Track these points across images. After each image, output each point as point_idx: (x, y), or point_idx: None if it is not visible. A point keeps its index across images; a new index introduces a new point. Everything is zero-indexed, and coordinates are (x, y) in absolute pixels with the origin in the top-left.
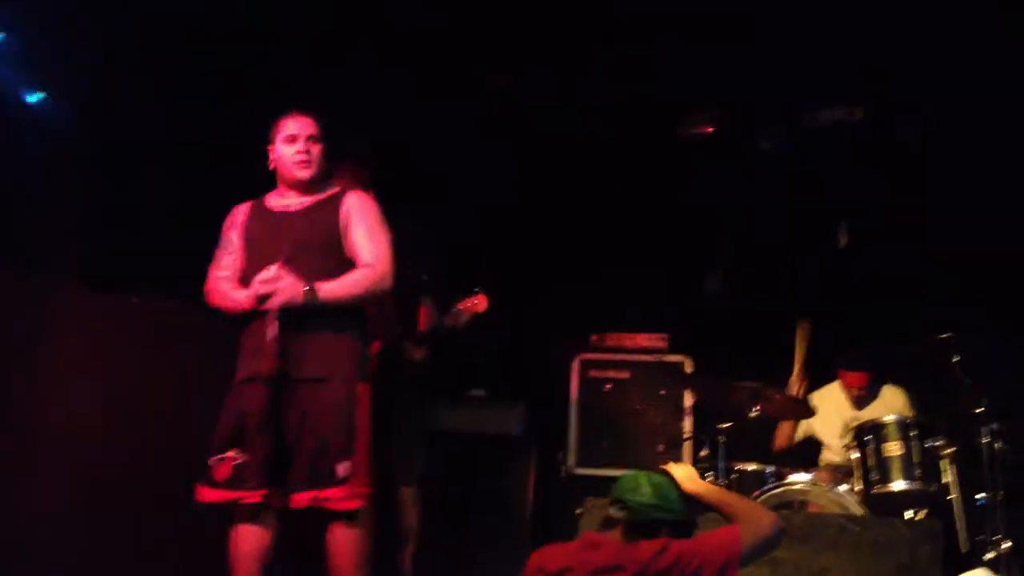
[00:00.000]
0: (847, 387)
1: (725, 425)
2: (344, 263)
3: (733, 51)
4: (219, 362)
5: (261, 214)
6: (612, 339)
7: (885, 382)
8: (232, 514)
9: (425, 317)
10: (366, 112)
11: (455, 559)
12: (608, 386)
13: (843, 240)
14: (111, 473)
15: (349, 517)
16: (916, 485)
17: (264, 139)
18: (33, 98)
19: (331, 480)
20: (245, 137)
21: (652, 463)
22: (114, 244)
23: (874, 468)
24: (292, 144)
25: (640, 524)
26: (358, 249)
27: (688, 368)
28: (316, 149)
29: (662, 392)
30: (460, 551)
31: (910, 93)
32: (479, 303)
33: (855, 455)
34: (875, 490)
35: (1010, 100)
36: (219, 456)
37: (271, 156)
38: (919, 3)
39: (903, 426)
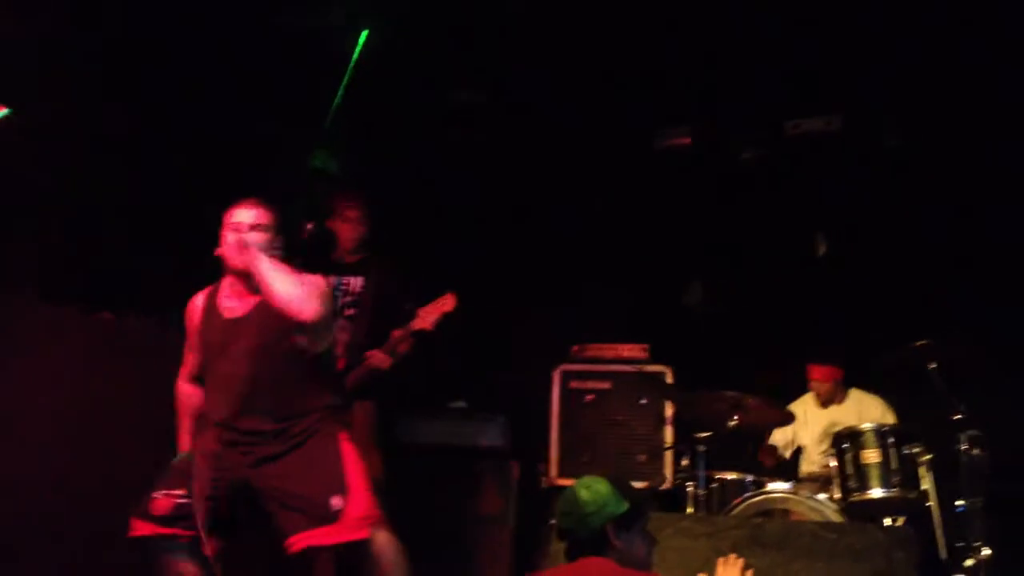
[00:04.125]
0: (814, 383)
1: (705, 435)
2: (304, 350)
3: (711, 63)
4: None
5: (212, 317)
6: (593, 350)
7: (857, 386)
8: (159, 550)
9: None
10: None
11: (435, 573)
12: (589, 397)
13: (821, 249)
14: (74, 486)
15: (359, 548)
16: (894, 492)
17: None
18: None
19: (329, 517)
20: (215, 149)
21: (634, 473)
22: (76, 258)
23: (852, 476)
24: (235, 232)
25: (585, 539)
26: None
27: (669, 378)
28: (260, 239)
29: (643, 402)
30: (440, 565)
31: (888, 102)
32: (446, 303)
33: (833, 463)
34: (854, 497)
35: (985, 109)
36: (165, 491)
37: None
38: (896, 12)
39: (881, 434)
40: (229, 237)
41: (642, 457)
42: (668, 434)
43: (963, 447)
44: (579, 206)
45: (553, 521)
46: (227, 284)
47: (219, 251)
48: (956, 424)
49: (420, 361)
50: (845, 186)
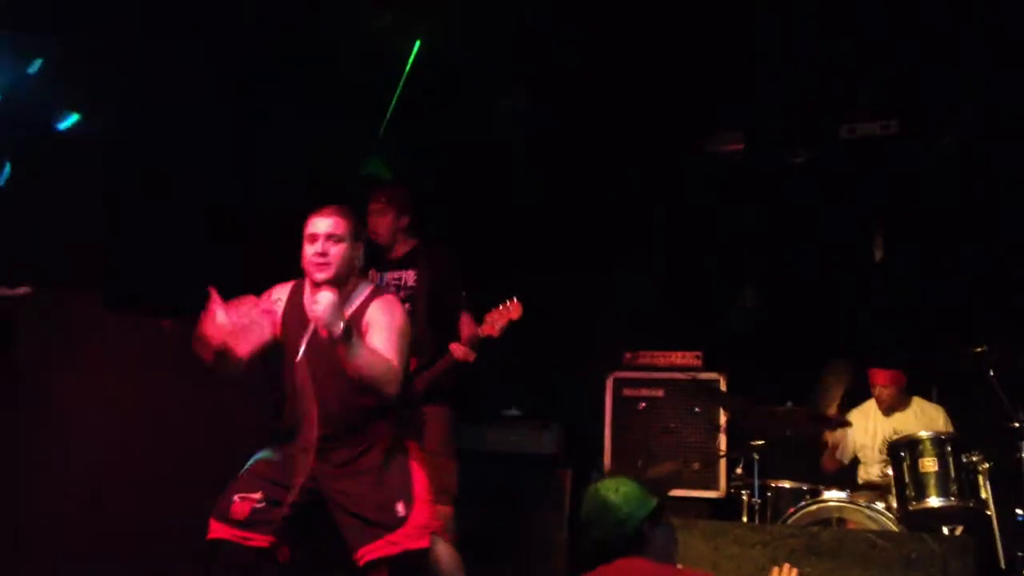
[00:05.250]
0: (877, 388)
1: (759, 443)
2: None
3: (765, 66)
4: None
5: (298, 318)
6: (646, 357)
7: (919, 395)
8: (233, 556)
9: (466, 328)
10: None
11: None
12: (642, 404)
13: (879, 254)
14: (131, 495)
15: (419, 558)
16: (953, 501)
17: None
18: (66, 123)
19: (393, 523)
20: (278, 154)
21: (688, 481)
22: (140, 264)
23: (910, 485)
24: (312, 244)
25: (622, 543)
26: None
27: (723, 386)
28: (338, 249)
29: (696, 410)
30: (495, 573)
31: (945, 105)
32: (513, 310)
33: (891, 471)
34: (911, 507)
35: None
36: (242, 495)
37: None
38: (953, 16)
39: (939, 442)
40: (308, 249)
41: (696, 465)
42: (722, 442)
43: (1023, 455)
44: (633, 213)
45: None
46: (311, 289)
47: (303, 263)
48: (1016, 432)
49: (474, 368)
50: (903, 189)
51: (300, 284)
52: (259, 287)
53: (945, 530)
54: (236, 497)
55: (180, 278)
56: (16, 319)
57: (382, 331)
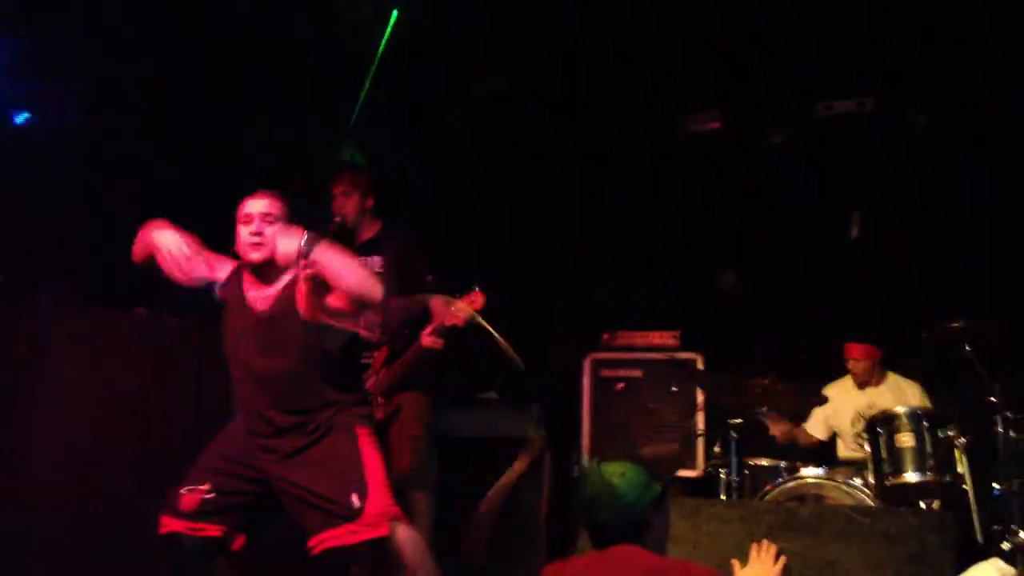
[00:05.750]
0: (851, 361)
1: (737, 421)
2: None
3: (740, 45)
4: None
5: (240, 303)
6: (623, 337)
7: (894, 370)
8: (188, 548)
9: (436, 312)
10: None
11: (468, 564)
12: (620, 385)
13: (855, 231)
14: (110, 488)
15: (380, 546)
16: (929, 476)
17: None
18: (20, 118)
19: (350, 514)
20: (245, 151)
21: (666, 460)
22: (109, 257)
23: (887, 460)
24: (247, 225)
25: (624, 528)
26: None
27: (700, 365)
28: (273, 230)
29: (674, 389)
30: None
31: (921, 83)
32: (475, 300)
33: (868, 447)
34: (888, 482)
35: (1018, 84)
36: (190, 487)
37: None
38: None
39: (915, 417)
40: (243, 231)
41: (674, 445)
42: (700, 421)
43: (999, 430)
44: (608, 192)
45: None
46: (244, 275)
47: (235, 247)
48: (992, 407)
49: (450, 352)
50: (878, 166)
51: (239, 268)
52: None
53: (923, 505)
54: (184, 490)
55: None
56: None
57: (334, 273)
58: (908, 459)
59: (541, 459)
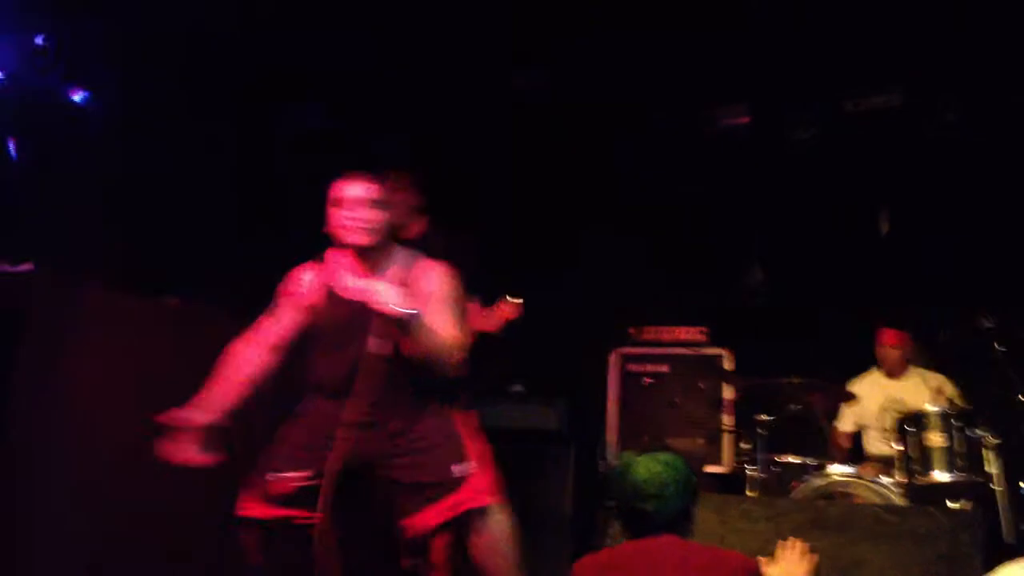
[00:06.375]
0: (884, 348)
1: (765, 418)
2: None
3: (769, 40)
4: None
5: (332, 296)
6: (650, 332)
7: (924, 367)
8: (273, 535)
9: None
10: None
11: None
12: (647, 380)
13: (885, 227)
14: (138, 475)
15: (483, 515)
16: (959, 476)
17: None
18: (78, 97)
19: (453, 484)
20: (277, 138)
21: (692, 456)
22: (141, 245)
23: (916, 459)
24: (344, 208)
25: (668, 519)
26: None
27: (727, 362)
28: (373, 214)
29: (701, 385)
30: None
31: (950, 78)
32: (511, 310)
33: (897, 446)
34: (917, 481)
35: None
36: (280, 473)
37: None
38: None
39: (945, 417)
40: (339, 214)
41: (701, 440)
42: (727, 417)
43: None
44: (638, 188)
45: (613, 504)
46: (339, 260)
47: (329, 229)
48: (1022, 406)
49: (478, 345)
50: (907, 162)
51: (320, 263)
52: (263, 266)
53: (952, 504)
54: (271, 475)
55: (186, 259)
56: (26, 304)
57: (435, 302)
58: (938, 458)
59: (567, 452)
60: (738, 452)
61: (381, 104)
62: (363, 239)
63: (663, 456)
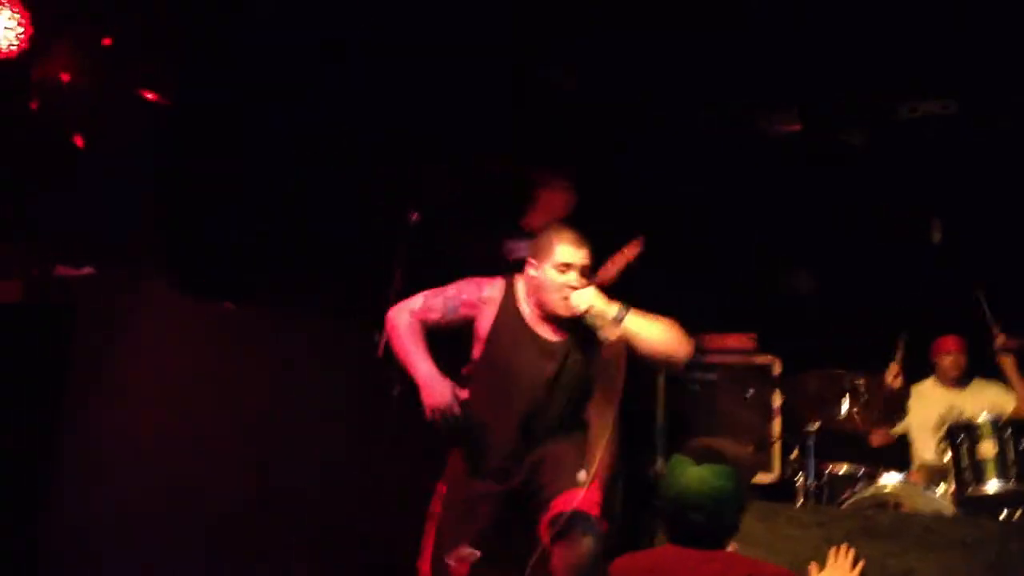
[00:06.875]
0: (944, 356)
1: (814, 426)
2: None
3: (823, 43)
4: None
5: (515, 321)
6: (699, 340)
7: (982, 375)
8: None
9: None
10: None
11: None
12: (695, 388)
13: (937, 236)
14: (190, 479)
15: (586, 525)
16: (1011, 485)
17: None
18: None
19: (574, 482)
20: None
21: (741, 465)
22: (202, 248)
23: (968, 469)
24: (564, 273)
25: (723, 529)
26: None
27: (777, 369)
28: (584, 283)
29: (750, 393)
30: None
31: (1005, 85)
32: (632, 249)
33: (948, 456)
34: (969, 492)
35: None
36: (459, 555)
37: (528, 265)
38: None
39: (997, 426)
40: (556, 277)
41: (750, 449)
42: (776, 426)
43: None
44: (684, 194)
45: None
46: (532, 303)
47: (528, 279)
48: None
49: None
50: (962, 170)
51: (513, 293)
52: (316, 268)
53: (1005, 513)
54: (453, 559)
55: (242, 261)
56: (77, 303)
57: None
58: (990, 468)
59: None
60: (787, 461)
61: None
62: (567, 311)
63: (719, 468)
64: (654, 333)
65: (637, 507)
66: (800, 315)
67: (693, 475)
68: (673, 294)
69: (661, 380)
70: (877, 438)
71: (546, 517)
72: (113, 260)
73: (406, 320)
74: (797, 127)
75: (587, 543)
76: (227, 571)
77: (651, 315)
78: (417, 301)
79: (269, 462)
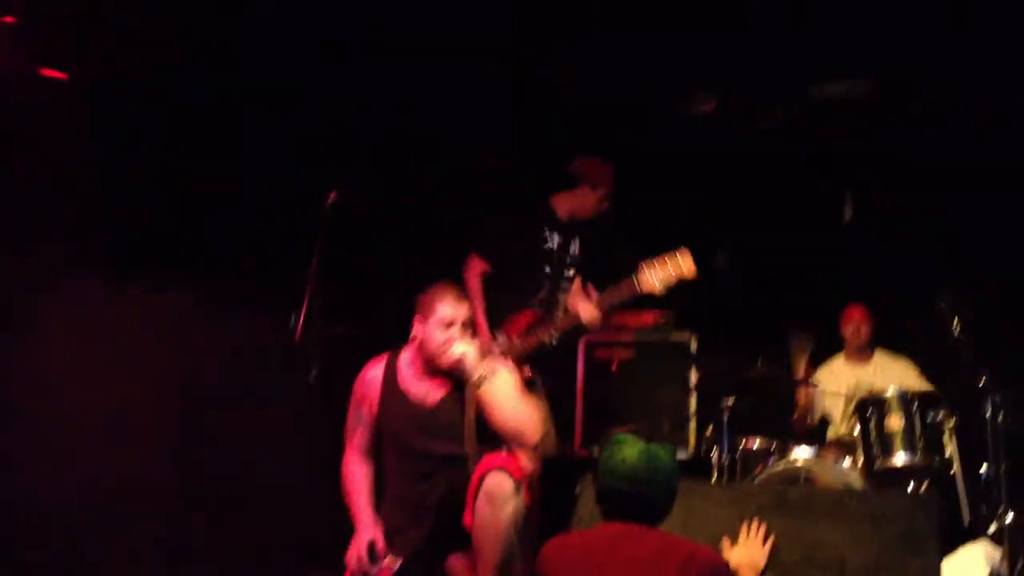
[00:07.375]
0: (851, 326)
1: (730, 402)
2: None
3: (736, 26)
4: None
5: (394, 395)
6: (617, 318)
7: (884, 349)
8: None
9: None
10: None
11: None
12: (614, 366)
13: (848, 215)
14: (110, 467)
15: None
16: (918, 459)
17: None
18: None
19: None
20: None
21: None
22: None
23: (876, 442)
24: (445, 330)
25: (663, 505)
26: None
27: (694, 346)
28: (465, 337)
29: (668, 370)
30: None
31: (918, 67)
32: (686, 268)
33: (857, 430)
34: (877, 465)
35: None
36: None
37: (415, 327)
38: None
39: (904, 400)
40: (438, 335)
41: (667, 426)
42: (693, 402)
43: (987, 413)
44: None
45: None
46: (410, 361)
47: (416, 338)
48: (981, 390)
49: None
50: (872, 150)
51: (393, 360)
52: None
53: (911, 487)
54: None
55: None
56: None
57: (503, 400)
58: (897, 441)
59: None
60: (702, 437)
61: None
62: (448, 363)
63: (661, 447)
64: (508, 410)
65: (557, 486)
66: (716, 291)
67: (638, 451)
68: (594, 272)
69: (580, 358)
70: (799, 424)
71: (474, 479)
72: (29, 249)
73: (345, 464)
74: (712, 108)
75: (503, 499)
76: (147, 559)
77: (522, 394)
78: (348, 434)
79: (190, 449)
